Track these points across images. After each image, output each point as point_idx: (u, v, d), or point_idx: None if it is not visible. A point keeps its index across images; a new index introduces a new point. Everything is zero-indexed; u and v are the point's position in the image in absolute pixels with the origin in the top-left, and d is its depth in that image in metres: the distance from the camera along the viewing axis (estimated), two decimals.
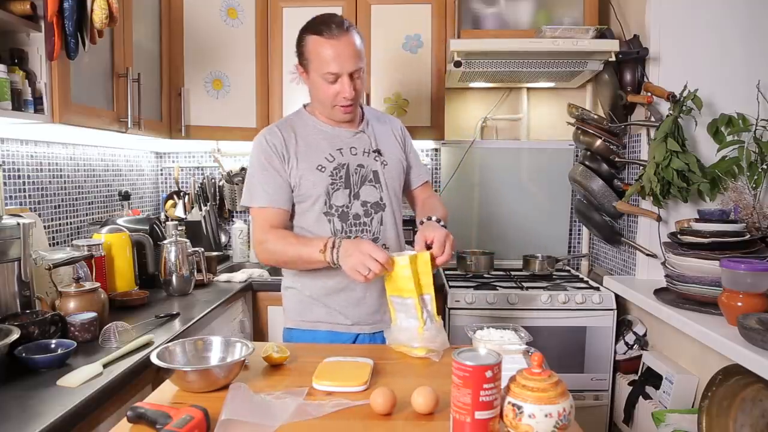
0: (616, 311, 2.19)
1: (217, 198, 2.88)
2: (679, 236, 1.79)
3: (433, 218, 1.50)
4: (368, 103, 2.47)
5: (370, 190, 1.56)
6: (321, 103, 1.53)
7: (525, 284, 2.35)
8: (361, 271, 1.29)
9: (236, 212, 2.93)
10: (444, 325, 1.65)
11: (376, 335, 1.58)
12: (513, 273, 2.60)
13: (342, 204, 1.53)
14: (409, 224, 2.61)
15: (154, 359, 1.09)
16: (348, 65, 1.44)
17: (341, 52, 1.42)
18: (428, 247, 1.37)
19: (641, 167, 2.07)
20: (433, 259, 1.35)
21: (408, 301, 1.32)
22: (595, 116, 2.30)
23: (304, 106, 1.63)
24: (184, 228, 2.18)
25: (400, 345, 1.33)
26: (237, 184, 2.83)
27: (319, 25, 1.45)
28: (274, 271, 2.62)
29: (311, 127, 1.57)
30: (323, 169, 1.52)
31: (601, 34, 2.23)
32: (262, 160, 1.52)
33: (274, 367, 1.25)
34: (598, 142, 2.28)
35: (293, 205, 1.55)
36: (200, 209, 2.76)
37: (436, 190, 2.82)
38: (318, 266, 1.43)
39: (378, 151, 1.59)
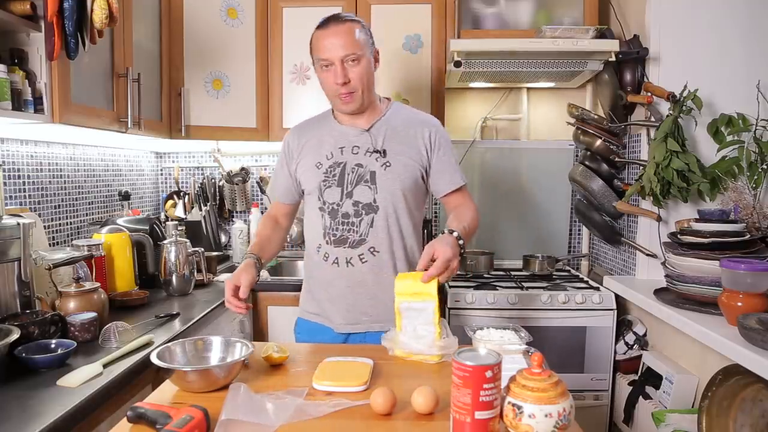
0: (616, 311, 2.19)
1: (217, 198, 2.88)
2: (679, 236, 1.79)
3: (455, 233, 1.43)
4: None
5: (364, 191, 1.55)
6: (327, 96, 1.59)
7: (525, 284, 2.35)
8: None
9: (236, 212, 2.93)
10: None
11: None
12: (513, 273, 2.60)
13: (333, 201, 1.56)
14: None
15: (154, 359, 1.09)
16: (337, 51, 1.49)
17: (332, 40, 1.50)
18: (433, 261, 1.36)
19: (641, 167, 2.07)
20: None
21: (425, 306, 1.31)
22: (595, 116, 2.30)
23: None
24: (184, 228, 2.18)
25: (412, 353, 1.30)
26: (237, 184, 2.83)
27: (321, 22, 1.55)
28: (274, 271, 2.62)
29: (326, 125, 1.64)
30: (320, 166, 1.58)
31: (601, 34, 2.23)
32: (280, 157, 1.71)
33: (274, 367, 1.25)
34: (598, 142, 2.28)
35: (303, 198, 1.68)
36: (200, 209, 2.76)
37: None
38: None
39: (380, 152, 1.56)
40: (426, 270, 1.34)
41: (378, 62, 1.62)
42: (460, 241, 1.43)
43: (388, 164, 1.56)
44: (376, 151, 1.57)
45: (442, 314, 2.18)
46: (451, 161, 1.64)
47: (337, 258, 1.56)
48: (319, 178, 1.57)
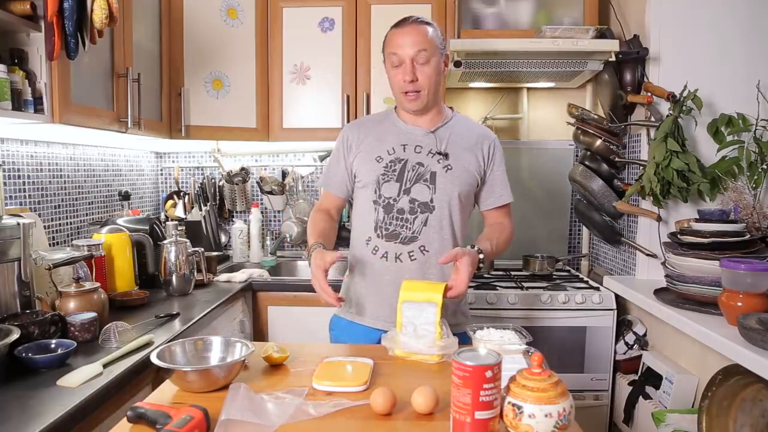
0: (616, 311, 2.19)
1: (217, 198, 2.88)
2: (679, 236, 1.79)
3: (481, 255, 1.51)
4: (368, 103, 2.47)
5: (423, 189, 1.57)
6: (394, 92, 1.63)
7: (525, 284, 2.35)
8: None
9: (236, 212, 2.93)
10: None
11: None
12: (513, 273, 2.60)
13: (390, 196, 1.58)
14: None
15: (154, 359, 1.09)
16: (407, 49, 1.53)
17: (403, 38, 1.54)
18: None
19: (641, 167, 2.07)
20: (446, 288, 1.38)
21: (427, 306, 1.31)
22: (595, 116, 2.30)
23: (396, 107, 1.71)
24: (184, 228, 2.18)
25: (412, 353, 1.30)
26: (237, 184, 2.83)
27: (397, 21, 1.59)
28: (274, 271, 2.62)
29: (389, 122, 1.67)
30: (380, 160, 1.60)
31: (601, 34, 2.23)
32: (336, 149, 1.71)
33: (274, 367, 1.25)
34: (598, 142, 2.28)
35: (354, 192, 1.69)
36: (200, 209, 2.76)
37: None
38: None
39: (444, 154, 1.59)
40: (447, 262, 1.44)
41: (447, 67, 1.65)
42: (481, 264, 1.52)
43: (449, 167, 1.58)
44: (439, 153, 1.59)
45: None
46: (503, 177, 1.69)
47: (386, 252, 1.58)
48: (378, 171, 1.59)
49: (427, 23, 1.58)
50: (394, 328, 1.36)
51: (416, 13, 1.62)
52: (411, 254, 1.57)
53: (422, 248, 1.57)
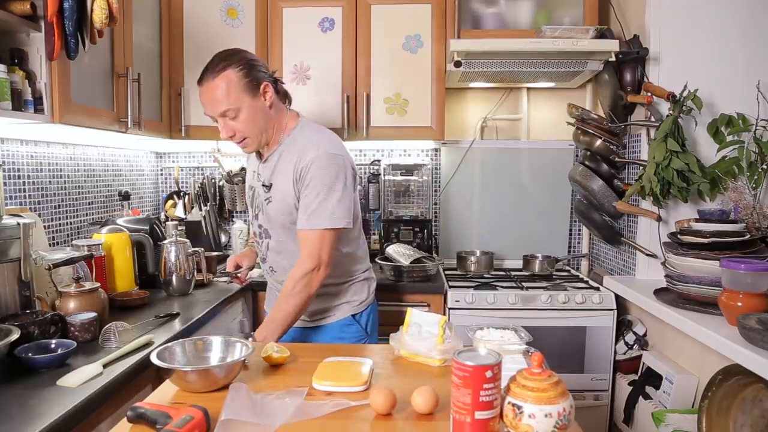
0: (616, 311, 2.19)
1: (217, 198, 2.88)
2: (679, 236, 1.79)
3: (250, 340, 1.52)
4: (368, 103, 2.47)
5: (263, 217, 1.69)
6: None
7: (525, 284, 2.35)
8: None
9: (236, 212, 2.93)
10: None
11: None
12: (513, 273, 2.60)
13: (251, 221, 1.78)
14: (411, 224, 2.62)
15: (154, 359, 1.09)
16: (213, 108, 1.55)
17: (206, 98, 1.55)
18: None
19: (641, 167, 2.07)
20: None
21: (434, 316, 1.33)
22: (595, 116, 2.30)
23: None
24: (184, 228, 2.18)
25: (415, 354, 1.30)
26: (237, 184, 2.83)
27: (200, 76, 1.57)
28: None
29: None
30: (250, 188, 1.75)
31: (601, 34, 2.23)
32: None
33: (274, 367, 1.25)
34: (598, 142, 2.28)
35: None
36: (200, 209, 2.76)
37: (435, 191, 2.83)
38: None
39: (267, 186, 1.64)
40: None
41: (268, 94, 1.56)
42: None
43: (270, 199, 1.63)
44: (264, 185, 1.65)
45: (442, 314, 2.18)
46: (310, 200, 1.52)
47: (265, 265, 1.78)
48: (246, 198, 1.80)
49: (223, 68, 1.50)
50: (401, 328, 1.36)
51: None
52: (268, 271, 1.75)
53: (270, 269, 1.73)
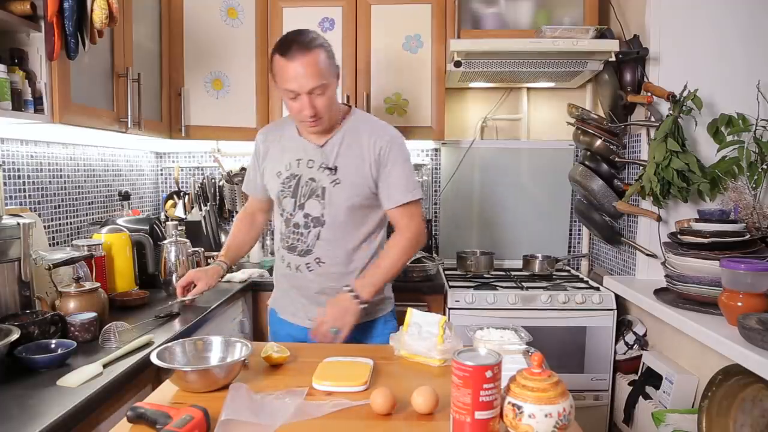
0: (616, 311, 2.19)
1: (217, 198, 2.88)
2: (679, 236, 1.79)
3: (347, 289, 1.56)
4: (368, 103, 2.47)
5: (315, 205, 1.60)
6: (292, 116, 1.62)
7: (525, 284, 2.35)
8: None
9: (236, 212, 2.93)
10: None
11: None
12: (513, 273, 2.60)
13: (288, 211, 1.64)
14: None
15: (154, 359, 1.09)
16: (304, 84, 1.48)
17: (297, 72, 1.47)
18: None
19: (641, 167, 2.07)
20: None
21: (434, 316, 1.33)
22: (595, 116, 2.30)
23: None
24: (184, 228, 2.18)
25: (415, 354, 1.30)
26: (237, 184, 2.83)
27: (282, 46, 1.50)
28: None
29: (290, 134, 1.67)
30: (279, 176, 1.65)
31: (601, 34, 2.23)
32: (253, 154, 1.78)
33: (274, 367, 1.25)
34: (598, 142, 2.28)
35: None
36: (200, 209, 2.76)
37: (435, 191, 2.83)
38: None
39: (331, 169, 1.59)
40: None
41: (339, 78, 1.60)
42: (359, 302, 1.54)
43: (337, 181, 1.59)
44: (328, 168, 1.60)
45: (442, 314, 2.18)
46: (399, 177, 1.60)
47: (290, 263, 1.66)
48: (278, 187, 1.65)
49: (318, 45, 1.49)
50: (401, 328, 1.36)
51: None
52: (308, 266, 1.63)
53: (317, 260, 1.62)
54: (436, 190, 2.83)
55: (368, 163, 1.59)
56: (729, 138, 1.88)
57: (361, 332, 1.64)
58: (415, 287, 2.25)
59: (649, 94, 2.06)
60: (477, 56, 2.27)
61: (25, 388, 1.15)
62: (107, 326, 1.45)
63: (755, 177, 1.81)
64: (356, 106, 2.48)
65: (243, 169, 2.86)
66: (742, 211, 1.80)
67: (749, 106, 1.88)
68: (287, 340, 1.55)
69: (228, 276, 2.29)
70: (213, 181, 2.87)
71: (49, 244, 1.95)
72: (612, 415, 2.25)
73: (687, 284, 1.72)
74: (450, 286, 2.29)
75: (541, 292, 2.23)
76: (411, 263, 2.27)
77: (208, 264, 2.22)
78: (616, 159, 2.25)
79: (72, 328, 1.43)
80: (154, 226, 2.17)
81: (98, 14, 1.53)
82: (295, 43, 1.48)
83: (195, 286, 1.72)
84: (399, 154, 1.61)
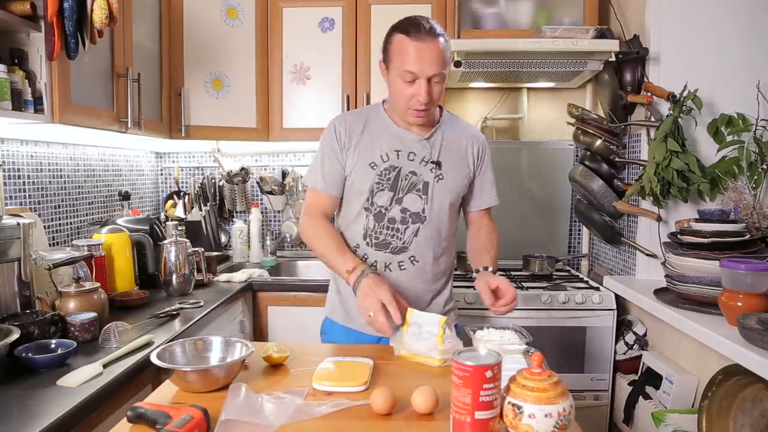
0: (616, 311, 2.19)
1: (217, 198, 2.88)
2: (679, 236, 1.79)
3: (489, 269, 1.54)
4: (368, 103, 2.47)
5: (415, 199, 1.53)
6: (396, 102, 1.51)
7: (525, 284, 2.35)
8: (368, 316, 1.34)
9: (236, 212, 2.93)
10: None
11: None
12: (513, 273, 2.60)
13: (382, 204, 1.52)
14: None
15: (154, 359, 1.09)
16: (427, 68, 1.41)
17: (423, 54, 1.41)
18: (494, 293, 1.48)
19: (641, 167, 2.07)
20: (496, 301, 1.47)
21: (435, 316, 1.32)
22: (595, 116, 2.30)
23: (383, 101, 1.61)
24: (184, 228, 2.18)
25: (415, 354, 1.30)
26: (237, 184, 2.83)
27: (408, 26, 1.44)
28: (275, 270, 2.62)
29: (382, 123, 1.57)
30: (375, 167, 1.52)
31: (601, 34, 2.23)
32: (326, 145, 1.57)
33: (274, 367, 1.25)
34: (598, 142, 2.28)
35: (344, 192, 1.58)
36: (200, 209, 2.76)
37: None
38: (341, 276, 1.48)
39: (437, 163, 1.54)
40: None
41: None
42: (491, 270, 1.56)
43: (440, 177, 1.54)
44: (433, 162, 1.53)
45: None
46: (492, 179, 1.66)
47: (375, 261, 1.54)
48: (372, 179, 1.52)
49: (442, 34, 1.45)
50: (401, 328, 1.35)
51: (416, 13, 1.55)
52: (401, 264, 1.54)
53: (412, 258, 1.54)
54: None
55: (466, 163, 1.59)
56: (729, 138, 1.88)
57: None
58: None
59: (649, 94, 2.06)
60: (477, 56, 2.27)
61: (25, 388, 1.15)
62: (107, 326, 1.45)
63: (755, 177, 1.81)
64: (356, 106, 2.50)
65: (243, 169, 2.87)
66: (742, 211, 1.80)
67: (749, 106, 1.88)
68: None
69: (228, 276, 2.30)
70: (213, 181, 2.87)
71: (49, 244, 1.95)
72: (612, 415, 2.25)
73: (687, 284, 1.72)
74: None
75: (541, 292, 2.23)
76: None
77: (208, 264, 2.23)
78: (616, 159, 2.25)
79: (72, 328, 1.43)
80: (154, 226, 2.17)
81: (98, 14, 1.53)
82: (422, 26, 1.42)
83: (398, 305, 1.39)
84: (489, 157, 1.65)
